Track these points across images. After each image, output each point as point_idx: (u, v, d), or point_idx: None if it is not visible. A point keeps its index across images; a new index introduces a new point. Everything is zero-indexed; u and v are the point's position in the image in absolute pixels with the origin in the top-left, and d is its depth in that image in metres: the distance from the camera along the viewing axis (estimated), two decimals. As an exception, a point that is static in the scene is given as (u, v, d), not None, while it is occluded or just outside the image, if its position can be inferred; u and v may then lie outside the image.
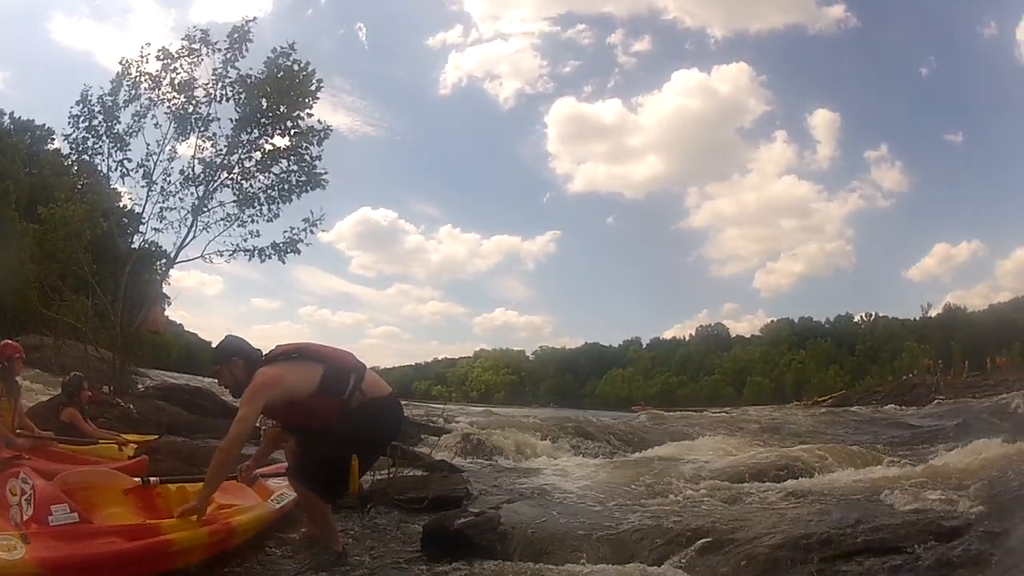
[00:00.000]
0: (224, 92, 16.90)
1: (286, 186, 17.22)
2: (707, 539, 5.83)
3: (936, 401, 29.05)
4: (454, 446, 12.80)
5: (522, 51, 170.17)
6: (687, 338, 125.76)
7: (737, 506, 7.65)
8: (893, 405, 32.17)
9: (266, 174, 17.23)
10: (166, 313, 18.80)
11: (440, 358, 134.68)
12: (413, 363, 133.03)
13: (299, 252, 17.26)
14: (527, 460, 12.49)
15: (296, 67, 16.96)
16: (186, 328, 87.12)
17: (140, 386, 19.45)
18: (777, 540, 5.60)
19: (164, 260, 18.85)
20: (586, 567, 5.19)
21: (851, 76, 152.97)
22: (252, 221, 17.21)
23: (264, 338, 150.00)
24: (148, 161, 16.84)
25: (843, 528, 5.80)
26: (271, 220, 17.25)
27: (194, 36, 16.95)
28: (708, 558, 5.52)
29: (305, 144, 17.25)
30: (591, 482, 9.54)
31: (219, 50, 16.86)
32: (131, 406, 13.03)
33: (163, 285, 18.28)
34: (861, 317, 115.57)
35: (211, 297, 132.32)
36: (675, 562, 5.49)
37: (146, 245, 19.09)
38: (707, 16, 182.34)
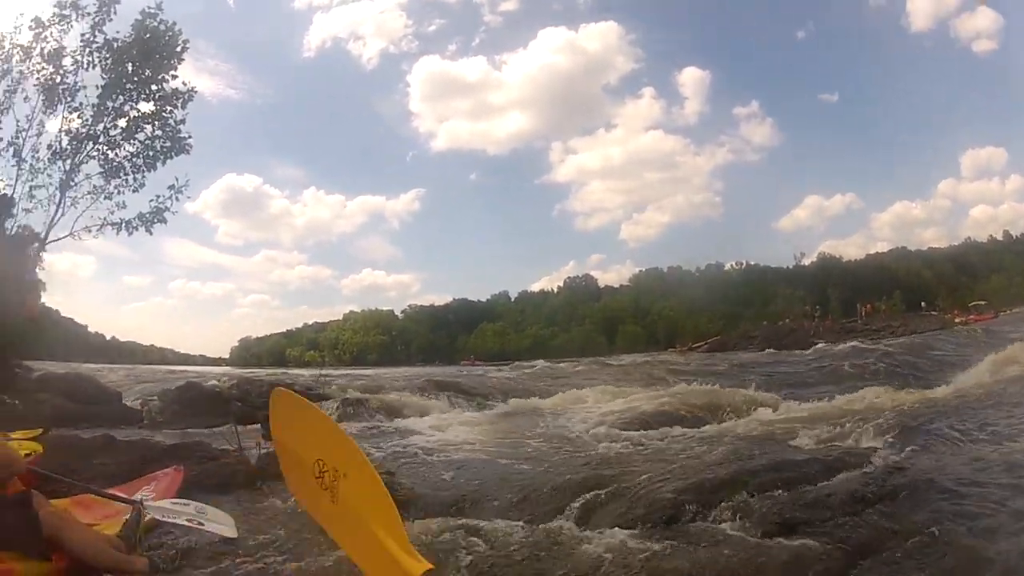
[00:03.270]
0: (91, 59, 16.64)
1: (151, 153, 17.09)
2: (604, 488, 5.98)
3: (815, 345, 30.35)
4: (334, 411, 12.85)
5: (388, 11, 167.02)
6: (555, 290, 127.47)
7: (631, 453, 7.88)
8: (771, 349, 33.54)
9: (131, 141, 17.03)
10: (41, 299, 17.96)
11: (310, 323, 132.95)
12: (284, 330, 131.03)
13: (165, 221, 17.10)
14: (407, 419, 12.56)
15: (162, 28, 16.97)
16: (63, 314, 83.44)
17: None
18: (679, 484, 5.78)
19: (36, 244, 18.00)
20: (484, 523, 5.27)
21: (724, 36, 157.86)
22: (118, 192, 16.94)
23: (138, 316, 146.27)
24: (18, 139, 16.26)
25: (749, 467, 6.10)
26: (137, 190, 17.00)
27: (65, 2, 16.48)
28: (608, 507, 5.64)
29: (169, 108, 17.24)
30: (476, 437, 9.73)
31: (88, 14, 16.54)
32: (17, 401, 12.44)
33: (36, 270, 17.52)
34: (731, 265, 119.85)
35: (85, 279, 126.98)
36: (573, 513, 5.60)
37: (19, 229, 18.18)
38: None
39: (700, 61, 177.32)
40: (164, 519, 5.30)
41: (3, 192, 16.96)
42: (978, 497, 4.96)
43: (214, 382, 17.26)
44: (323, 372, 29.88)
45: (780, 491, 5.46)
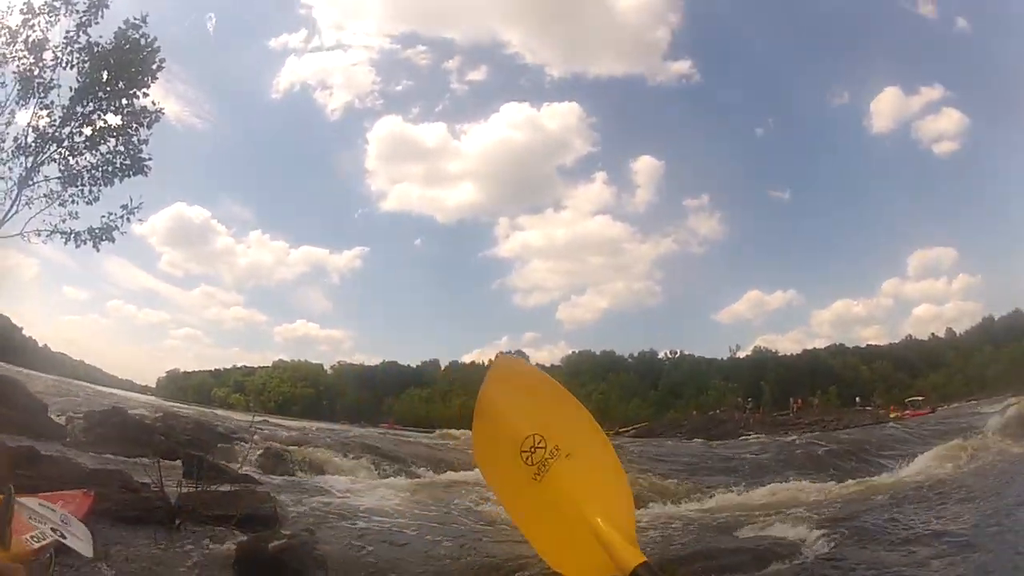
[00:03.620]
0: (71, 58, 16.68)
1: (110, 168, 17.03)
2: (511, 563, 5.84)
3: (745, 437, 30.46)
4: (254, 460, 12.61)
5: (359, 64, 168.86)
6: (486, 363, 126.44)
7: None
8: (700, 439, 33.57)
9: (93, 152, 16.99)
10: None
11: (239, 365, 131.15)
12: (212, 368, 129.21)
13: (113, 240, 16.96)
14: (330, 476, 12.40)
15: (143, 41, 17.07)
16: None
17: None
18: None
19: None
20: None
21: (683, 128, 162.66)
22: (73, 201, 16.87)
23: (73, 330, 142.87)
24: (-12, 122, 16.36)
25: (679, 555, 5.98)
26: (91, 203, 16.92)
27: None
28: None
29: (135, 125, 17.24)
30: (399, 502, 9.54)
31: (77, 11, 16.61)
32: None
33: None
34: (666, 354, 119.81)
35: (26, 282, 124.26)
36: None
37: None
38: (549, 55, 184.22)
39: (656, 150, 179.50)
40: (30, 519, 5.01)
41: None
42: None
43: (141, 411, 16.89)
44: (256, 419, 29.18)
45: None
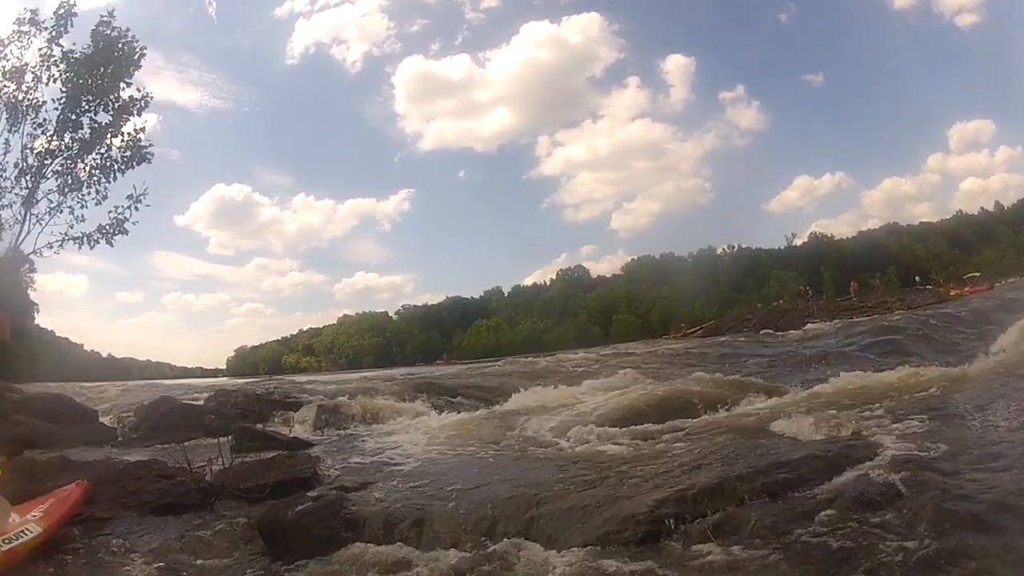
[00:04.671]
0: (51, 73, 16.70)
1: (108, 163, 16.94)
2: (573, 500, 5.44)
3: (810, 324, 29.82)
4: (310, 420, 12.65)
5: (369, 14, 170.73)
6: (548, 283, 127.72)
7: (608, 456, 7.31)
8: (766, 331, 32.95)
9: (91, 154, 16.90)
10: (36, 320, 17.98)
11: (305, 328, 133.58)
12: (280, 337, 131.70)
13: (126, 232, 16.85)
14: (384, 424, 12.20)
15: (116, 34, 16.97)
16: (57, 334, 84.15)
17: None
18: (658, 494, 5.19)
19: (26, 265, 18.11)
20: (442, 550, 4.78)
21: (707, 22, 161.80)
22: (80, 206, 16.77)
23: (132, 331, 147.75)
24: (-15, 160, 16.56)
25: (738, 471, 5.48)
26: (99, 203, 16.79)
27: (24, 18, 16.72)
28: (575, 522, 5.08)
29: (127, 116, 17.15)
30: (449, 444, 9.21)
31: (45, 28, 16.64)
32: (-6, 426, 12.05)
33: (27, 291, 17.43)
34: (723, 249, 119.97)
35: (77, 297, 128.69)
36: (542, 532, 5.04)
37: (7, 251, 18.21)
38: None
39: (684, 48, 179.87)
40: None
41: None
42: (997, 498, 4.39)
43: (195, 396, 16.83)
44: (316, 376, 29.39)
45: (773, 498, 4.88)
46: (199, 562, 4.89)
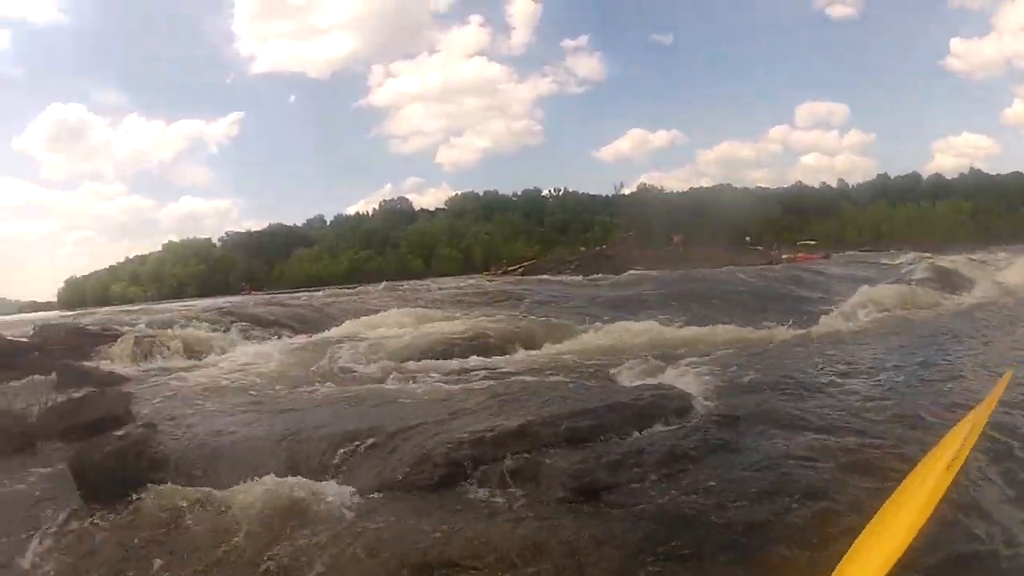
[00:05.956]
0: None
1: None
2: (379, 437, 5.20)
3: (632, 272, 30.31)
4: (127, 353, 11.96)
5: None
6: (371, 213, 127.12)
7: (413, 392, 7.16)
8: (591, 275, 33.33)
9: None
10: None
11: (132, 256, 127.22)
12: (107, 266, 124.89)
13: None
14: (198, 357, 11.76)
15: None
16: None
17: None
18: (459, 435, 4.97)
19: None
20: (247, 485, 4.53)
21: None
22: None
23: None
24: None
25: (547, 414, 5.30)
26: None
27: None
28: (369, 464, 4.90)
29: None
30: (262, 376, 9.02)
31: None
32: None
33: None
34: (549, 191, 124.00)
35: None
36: (345, 467, 4.91)
37: None
38: None
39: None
40: None
41: None
42: (816, 455, 4.39)
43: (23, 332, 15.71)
44: (140, 306, 28.26)
45: (577, 445, 4.70)
46: (14, 513, 4.68)
